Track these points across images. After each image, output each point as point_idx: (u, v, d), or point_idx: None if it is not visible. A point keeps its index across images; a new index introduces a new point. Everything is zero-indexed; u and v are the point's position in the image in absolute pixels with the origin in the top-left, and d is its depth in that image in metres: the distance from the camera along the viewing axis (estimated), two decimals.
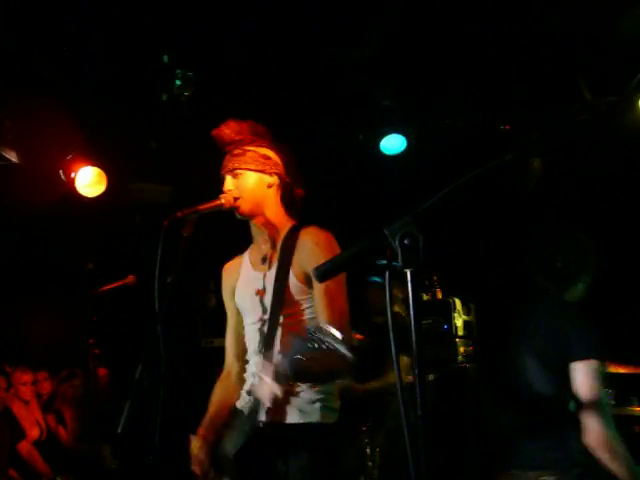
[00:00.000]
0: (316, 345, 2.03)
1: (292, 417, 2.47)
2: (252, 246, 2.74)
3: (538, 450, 2.70)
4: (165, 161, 5.24)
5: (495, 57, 4.46)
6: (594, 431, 2.56)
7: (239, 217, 2.64)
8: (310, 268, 2.46)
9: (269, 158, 2.63)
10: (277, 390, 2.22)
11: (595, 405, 2.58)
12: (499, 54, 4.43)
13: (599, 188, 5.00)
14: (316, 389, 2.48)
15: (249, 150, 2.61)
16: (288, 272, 2.52)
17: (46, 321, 5.81)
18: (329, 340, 2.03)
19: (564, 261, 2.84)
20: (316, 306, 2.48)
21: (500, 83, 4.76)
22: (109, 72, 4.44)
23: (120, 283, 4.45)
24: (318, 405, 2.48)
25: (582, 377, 2.62)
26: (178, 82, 4.38)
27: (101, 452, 5.34)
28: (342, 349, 2.03)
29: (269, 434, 2.47)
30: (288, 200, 2.68)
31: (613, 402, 4.19)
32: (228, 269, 2.79)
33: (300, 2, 4.02)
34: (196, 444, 2.60)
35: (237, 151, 2.62)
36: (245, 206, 2.60)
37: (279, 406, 2.48)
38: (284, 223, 2.64)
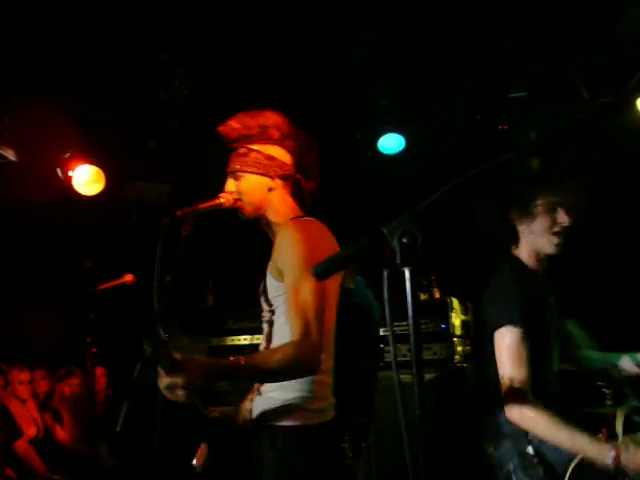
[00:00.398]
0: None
1: (262, 417, 2.44)
2: None
3: (487, 422, 2.68)
4: (163, 160, 5.23)
5: (493, 56, 4.47)
6: (506, 406, 2.49)
7: (243, 218, 2.64)
8: (279, 263, 2.42)
9: (274, 159, 2.59)
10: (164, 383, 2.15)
11: (504, 378, 2.50)
12: (497, 53, 4.44)
13: (597, 188, 5.00)
14: (288, 389, 2.39)
15: (253, 150, 2.58)
16: (267, 268, 2.50)
17: (43, 320, 5.80)
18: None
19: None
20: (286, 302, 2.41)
21: (498, 82, 4.76)
22: (107, 70, 4.44)
23: (118, 282, 4.45)
24: (288, 405, 2.38)
25: (495, 348, 2.55)
26: (176, 81, 4.38)
27: (98, 451, 5.33)
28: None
29: (246, 438, 2.45)
30: (298, 196, 2.65)
31: (611, 402, 4.19)
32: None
33: (299, 1, 4.03)
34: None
35: (242, 150, 2.59)
36: (246, 208, 2.60)
37: (252, 407, 2.47)
38: (288, 217, 2.57)
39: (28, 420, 5.52)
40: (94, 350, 4.84)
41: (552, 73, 4.62)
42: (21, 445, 5.35)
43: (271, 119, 2.60)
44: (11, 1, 3.86)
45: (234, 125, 2.60)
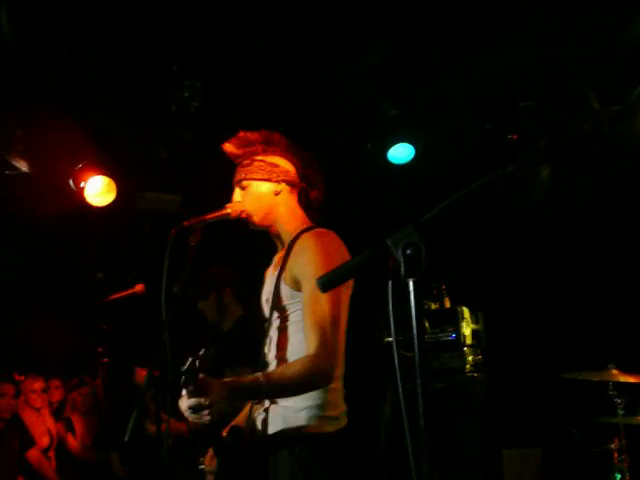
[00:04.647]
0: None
1: (277, 427, 2.45)
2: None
3: None
4: (174, 171, 5.26)
5: (502, 66, 4.47)
6: None
7: (252, 228, 2.66)
8: (296, 272, 2.45)
9: (277, 166, 2.63)
10: (189, 404, 2.19)
11: None
12: (506, 63, 4.44)
13: (604, 196, 4.99)
14: (302, 398, 2.41)
15: (257, 160, 2.63)
16: (280, 276, 2.52)
17: (56, 329, 5.83)
18: None
19: None
20: (303, 310, 2.44)
21: (507, 92, 4.76)
22: (119, 82, 4.47)
23: (129, 292, 4.47)
24: (304, 414, 2.40)
25: None
26: (186, 92, 4.41)
27: (110, 460, 5.35)
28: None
29: (260, 445, 2.46)
30: (305, 204, 2.68)
31: (623, 411, 4.17)
32: (266, 274, 2.79)
33: (309, 13, 4.05)
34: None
35: (246, 162, 2.64)
36: (254, 217, 2.62)
37: (266, 417, 2.49)
38: (297, 227, 2.61)
39: (41, 430, 5.54)
40: (105, 360, 4.86)
41: (562, 82, 4.61)
42: (34, 454, 5.37)
43: (271, 135, 2.66)
44: (23, 13, 3.90)
45: (237, 142, 2.65)
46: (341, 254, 2.47)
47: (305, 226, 2.60)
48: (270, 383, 2.29)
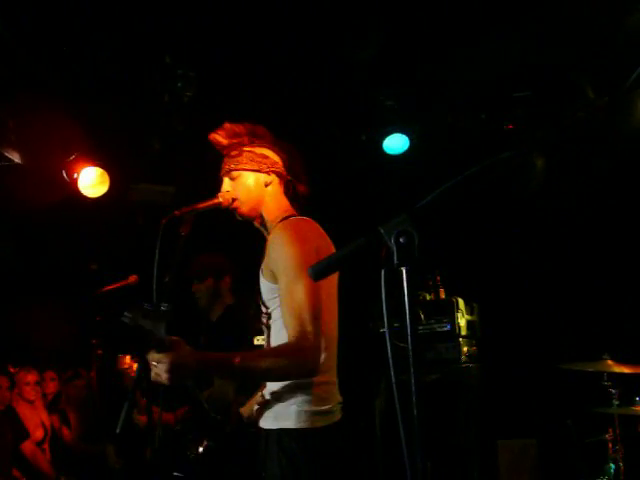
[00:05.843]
0: None
1: (267, 420, 2.44)
2: None
3: None
4: (168, 162, 5.24)
5: (497, 56, 4.45)
6: None
7: (239, 218, 2.64)
8: (271, 265, 2.41)
9: (266, 157, 2.61)
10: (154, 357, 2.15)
11: None
12: (501, 53, 4.42)
13: (600, 185, 4.98)
14: (292, 392, 2.38)
15: (245, 150, 2.60)
16: (260, 271, 2.50)
17: (50, 322, 5.81)
18: None
19: None
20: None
21: (503, 82, 4.75)
22: (111, 72, 4.44)
23: (122, 283, 4.45)
24: (294, 409, 2.37)
25: None
26: (179, 83, 4.38)
27: (105, 452, 5.34)
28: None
29: (252, 439, 2.45)
30: (291, 197, 2.65)
31: (617, 402, 4.17)
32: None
33: (304, 2, 4.02)
34: None
35: (234, 152, 2.61)
36: (243, 207, 2.59)
37: (259, 411, 2.47)
38: (278, 218, 2.57)
39: (35, 422, 5.53)
40: (99, 352, 4.84)
41: (557, 72, 4.60)
42: (28, 447, 5.36)
43: (256, 128, 2.63)
44: (13, 3, 3.87)
45: (224, 133, 2.62)
46: (319, 242, 2.44)
47: (286, 215, 2.56)
48: (244, 363, 2.24)
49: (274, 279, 2.41)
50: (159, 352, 2.12)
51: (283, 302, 2.34)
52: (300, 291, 2.29)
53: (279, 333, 2.43)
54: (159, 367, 2.12)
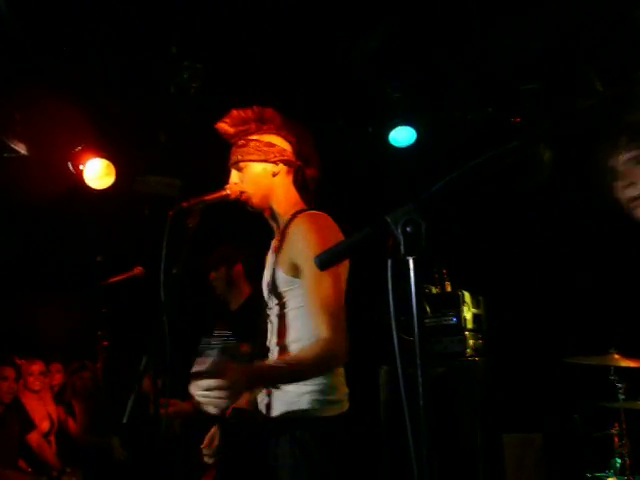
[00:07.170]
0: None
1: (279, 410, 2.44)
2: None
3: None
4: (174, 153, 5.23)
5: (505, 48, 4.43)
6: None
7: (250, 210, 2.63)
8: (294, 257, 2.42)
9: (273, 145, 2.59)
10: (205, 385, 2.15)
11: None
12: (509, 45, 4.40)
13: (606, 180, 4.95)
14: (304, 384, 2.38)
15: (252, 140, 2.58)
16: (276, 262, 2.50)
17: (56, 313, 5.82)
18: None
19: None
20: (305, 295, 2.41)
21: (510, 75, 4.72)
22: (117, 64, 4.44)
23: (128, 275, 4.45)
24: (307, 398, 2.38)
25: None
26: (185, 74, 4.37)
27: (110, 443, 5.36)
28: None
29: (262, 429, 2.45)
30: (301, 184, 2.64)
31: (623, 396, 4.16)
32: (266, 258, 2.75)
33: None
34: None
35: (241, 142, 2.60)
36: (252, 199, 2.58)
37: (269, 401, 2.47)
38: (291, 210, 2.57)
39: (42, 414, 5.54)
40: (105, 343, 4.86)
41: (565, 65, 4.57)
42: (34, 438, 5.38)
43: (264, 112, 2.61)
44: None
45: (231, 120, 2.61)
46: (335, 235, 2.44)
47: (298, 208, 2.56)
48: (289, 368, 2.29)
49: (293, 271, 2.43)
50: (214, 378, 2.13)
51: (310, 295, 2.36)
52: (328, 284, 2.32)
53: (294, 322, 2.45)
54: (214, 394, 2.13)
